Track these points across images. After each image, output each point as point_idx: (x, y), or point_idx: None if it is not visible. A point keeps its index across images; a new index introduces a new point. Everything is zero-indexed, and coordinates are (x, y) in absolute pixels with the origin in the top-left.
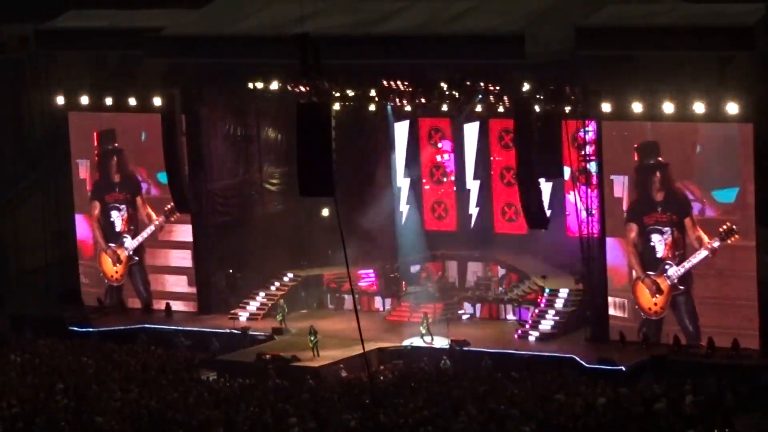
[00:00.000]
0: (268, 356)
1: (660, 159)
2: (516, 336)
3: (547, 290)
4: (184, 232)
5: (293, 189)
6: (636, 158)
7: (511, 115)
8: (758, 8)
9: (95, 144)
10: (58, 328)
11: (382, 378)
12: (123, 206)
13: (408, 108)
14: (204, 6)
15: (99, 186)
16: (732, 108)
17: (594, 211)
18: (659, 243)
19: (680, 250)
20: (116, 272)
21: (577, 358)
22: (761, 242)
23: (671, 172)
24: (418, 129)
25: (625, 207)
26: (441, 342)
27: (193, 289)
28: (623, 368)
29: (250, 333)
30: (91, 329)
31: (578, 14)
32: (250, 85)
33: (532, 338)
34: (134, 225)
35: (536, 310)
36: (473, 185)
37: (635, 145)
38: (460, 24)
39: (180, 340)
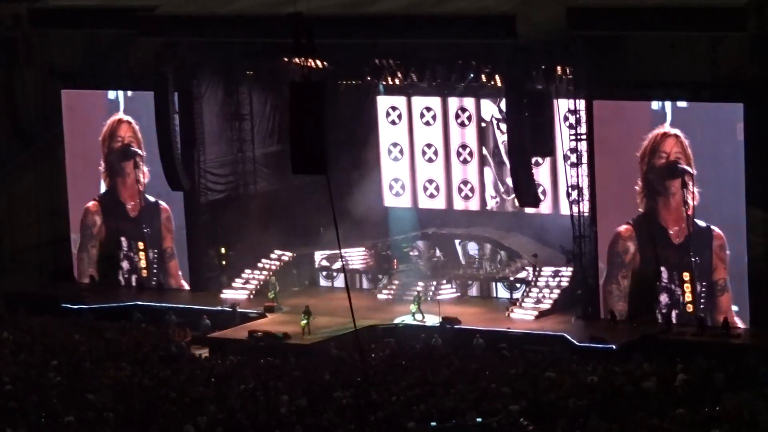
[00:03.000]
0: (259, 334)
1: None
2: (507, 314)
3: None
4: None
5: (286, 167)
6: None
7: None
8: None
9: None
10: (51, 306)
11: (373, 356)
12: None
13: (399, 87)
14: None
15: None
16: (723, 89)
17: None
18: None
19: None
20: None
21: (568, 337)
22: (751, 222)
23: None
24: (409, 108)
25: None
26: (432, 320)
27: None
28: (614, 347)
29: (239, 310)
30: (83, 307)
31: None
32: (244, 64)
33: (522, 316)
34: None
35: (527, 289)
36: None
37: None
38: (452, 4)
39: (170, 318)
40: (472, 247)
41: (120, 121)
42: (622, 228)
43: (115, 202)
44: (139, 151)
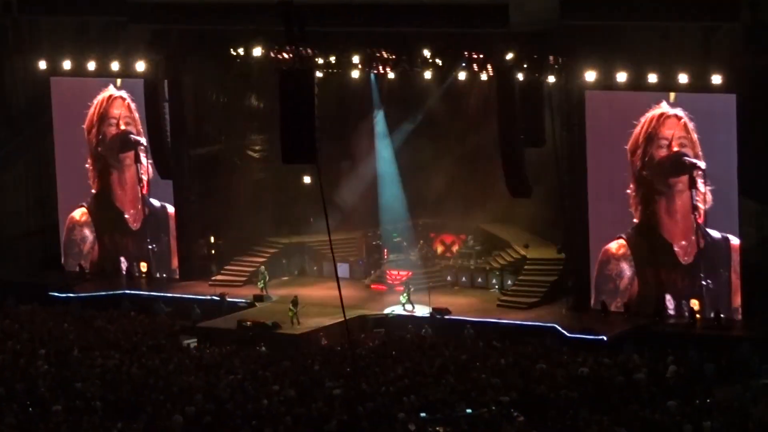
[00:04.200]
0: (249, 323)
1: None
2: (497, 305)
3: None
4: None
5: (276, 156)
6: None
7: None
8: None
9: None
10: (40, 295)
11: (363, 346)
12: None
13: (391, 76)
14: None
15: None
16: (716, 79)
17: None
18: None
19: None
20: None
21: (559, 328)
22: (744, 213)
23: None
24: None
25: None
26: (422, 310)
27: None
28: (605, 338)
29: (228, 299)
30: (71, 295)
31: None
32: (234, 52)
33: (513, 307)
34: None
35: (518, 279)
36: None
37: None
38: None
39: (160, 307)
40: (463, 237)
41: (112, 98)
42: (614, 245)
43: (110, 210)
44: (141, 140)
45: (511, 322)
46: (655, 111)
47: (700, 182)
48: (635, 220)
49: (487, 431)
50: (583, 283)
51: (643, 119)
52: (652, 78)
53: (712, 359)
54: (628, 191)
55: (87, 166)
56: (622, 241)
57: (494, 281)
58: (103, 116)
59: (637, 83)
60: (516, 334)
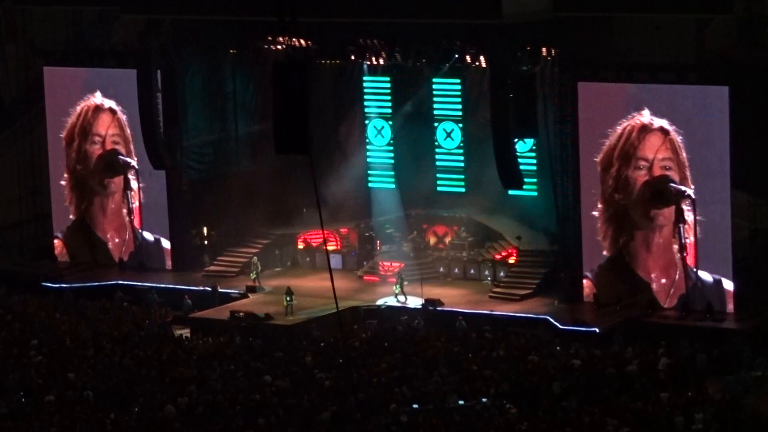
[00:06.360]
0: (241, 314)
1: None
2: (490, 296)
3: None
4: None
5: (269, 147)
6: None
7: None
8: None
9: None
10: (32, 284)
11: (355, 338)
12: None
13: (384, 66)
14: None
15: None
16: (708, 71)
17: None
18: None
19: None
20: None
21: (551, 320)
22: (736, 206)
23: None
24: (395, 87)
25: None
26: (415, 302)
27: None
28: (597, 330)
29: (220, 290)
30: (64, 285)
31: None
32: (227, 42)
33: (505, 299)
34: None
35: (511, 271)
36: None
37: None
38: None
39: (153, 297)
40: (455, 229)
41: (100, 111)
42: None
43: (91, 239)
44: (132, 162)
45: (504, 314)
46: (636, 120)
47: (688, 213)
48: (605, 253)
49: (479, 423)
50: (576, 275)
51: (620, 128)
52: (645, 70)
53: (704, 351)
54: (595, 213)
55: (63, 183)
56: (588, 282)
57: (487, 273)
58: (86, 131)
59: (629, 75)
60: (508, 326)
